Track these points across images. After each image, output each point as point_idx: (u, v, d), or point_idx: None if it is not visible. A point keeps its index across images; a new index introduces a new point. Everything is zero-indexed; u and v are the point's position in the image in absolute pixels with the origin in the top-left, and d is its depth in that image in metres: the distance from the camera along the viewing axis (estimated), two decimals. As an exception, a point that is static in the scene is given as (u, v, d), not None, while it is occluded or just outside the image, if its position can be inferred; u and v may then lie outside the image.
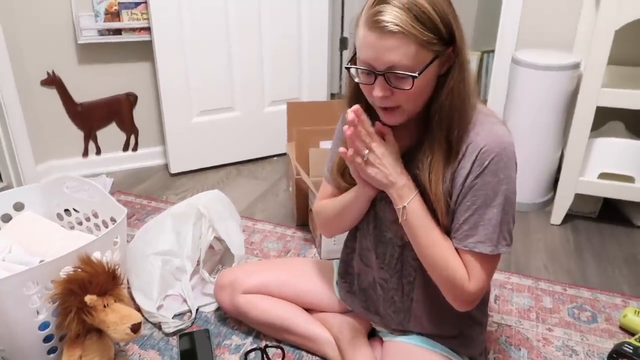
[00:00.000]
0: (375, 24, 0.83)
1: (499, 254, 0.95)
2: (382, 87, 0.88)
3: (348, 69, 0.94)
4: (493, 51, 2.20)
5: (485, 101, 2.39)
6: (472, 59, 3.19)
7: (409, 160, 0.98)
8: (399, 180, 0.95)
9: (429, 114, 0.94)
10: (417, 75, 0.85)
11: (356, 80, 0.93)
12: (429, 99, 0.93)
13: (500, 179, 0.91)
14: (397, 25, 0.82)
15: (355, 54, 0.93)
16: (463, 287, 0.95)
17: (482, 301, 1.11)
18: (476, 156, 0.91)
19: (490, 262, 0.95)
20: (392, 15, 0.82)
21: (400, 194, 0.96)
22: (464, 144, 0.93)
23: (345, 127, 0.91)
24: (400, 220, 0.97)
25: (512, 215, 0.95)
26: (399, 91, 0.88)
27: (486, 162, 0.90)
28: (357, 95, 0.99)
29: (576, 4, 1.98)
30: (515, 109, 1.93)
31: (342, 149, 0.95)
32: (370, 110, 0.99)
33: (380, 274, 1.12)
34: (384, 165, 0.95)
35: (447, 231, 0.98)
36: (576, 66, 1.83)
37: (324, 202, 1.17)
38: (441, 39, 0.86)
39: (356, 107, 0.91)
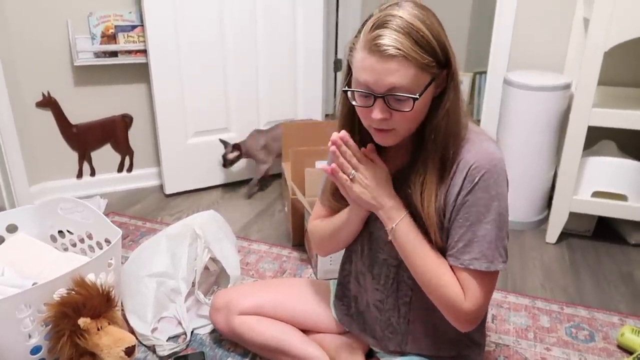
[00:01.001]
0: (376, 48, 0.84)
1: (496, 271, 0.95)
2: (381, 109, 0.89)
3: (345, 91, 0.95)
4: (485, 72, 2.23)
5: (478, 121, 2.41)
6: (465, 80, 3.24)
7: (401, 179, 0.99)
8: (386, 202, 0.97)
9: (423, 134, 0.95)
10: (417, 97, 0.86)
11: (353, 102, 0.94)
12: (423, 120, 0.94)
13: (491, 196, 0.92)
14: (397, 49, 0.83)
15: (349, 76, 0.94)
16: (461, 306, 0.95)
17: (481, 321, 1.11)
18: (466, 173, 0.92)
19: (487, 279, 0.95)
20: (392, 39, 0.83)
21: (389, 216, 0.97)
22: (455, 162, 0.94)
23: (329, 144, 0.95)
24: (390, 239, 0.98)
25: (505, 231, 0.96)
26: (397, 113, 0.89)
27: (476, 179, 0.91)
28: (350, 117, 1.00)
29: (566, 26, 2.02)
30: (508, 129, 1.95)
31: (323, 165, 0.98)
32: (362, 133, 1.00)
33: (376, 296, 1.11)
34: (371, 187, 0.97)
35: (442, 250, 0.98)
36: (567, 87, 1.86)
37: (318, 222, 1.18)
38: (438, 62, 0.88)
39: (342, 132, 0.96)
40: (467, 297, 0.94)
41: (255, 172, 2.32)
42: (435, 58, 0.87)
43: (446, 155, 0.93)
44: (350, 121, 1.01)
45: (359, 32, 0.89)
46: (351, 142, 0.97)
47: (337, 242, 1.15)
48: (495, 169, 0.92)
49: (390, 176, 0.99)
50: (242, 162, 2.36)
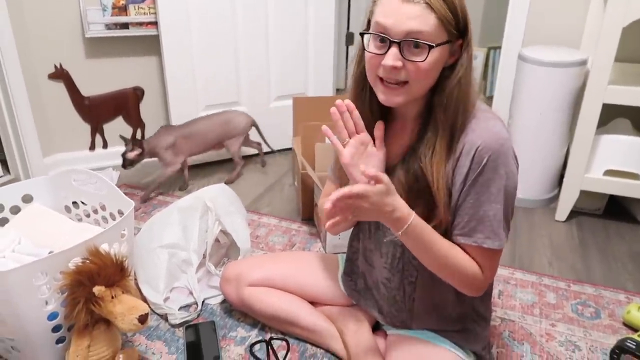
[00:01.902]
0: None
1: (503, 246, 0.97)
2: (394, 56, 0.88)
3: (362, 34, 0.94)
4: (499, 47, 2.19)
5: (491, 98, 2.38)
6: (479, 55, 3.18)
7: (411, 154, 0.99)
8: (396, 209, 0.91)
9: (431, 106, 0.95)
10: (434, 45, 0.86)
11: (367, 49, 0.93)
12: (431, 91, 0.94)
13: (500, 175, 0.92)
14: None
15: (368, 25, 0.93)
16: (480, 278, 0.97)
17: (486, 296, 1.12)
18: (474, 154, 0.92)
19: (497, 254, 0.98)
20: None
21: (398, 216, 0.91)
22: (462, 140, 0.93)
23: (333, 109, 0.96)
24: (401, 238, 0.95)
25: (512, 207, 0.97)
26: (409, 64, 0.88)
27: (484, 160, 0.91)
28: (362, 82, 1.00)
29: (584, 1, 1.97)
30: (522, 105, 1.93)
31: (324, 126, 0.98)
32: (372, 99, 0.99)
33: (383, 274, 1.13)
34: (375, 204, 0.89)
35: (447, 225, 0.97)
36: (583, 63, 1.82)
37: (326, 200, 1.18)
38: (457, 25, 0.88)
39: (348, 101, 0.97)
40: (483, 271, 0.97)
41: (160, 173, 2.06)
42: (455, 19, 0.87)
43: (455, 126, 0.93)
44: (362, 85, 1.00)
45: None
46: (356, 112, 0.97)
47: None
48: (502, 148, 0.91)
49: (392, 185, 0.91)
50: (254, 136, 2.36)
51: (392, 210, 0.90)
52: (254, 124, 2.20)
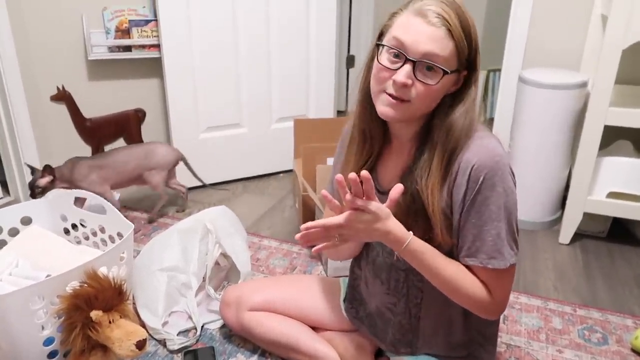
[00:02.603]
0: (425, 12, 0.87)
1: (513, 265, 0.95)
2: (407, 74, 0.88)
3: (378, 45, 0.93)
4: (499, 70, 2.21)
5: (491, 120, 2.39)
6: (479, 77, 3.20)
7: (408, 175, 0.98)
8: (389, 232, 0.91)
9: (429, 128, 0.95)
10: (448, 72, 0.87)
11: (379, 61, 0.91)
12: (429, 114, 0.95)
13: (498, 193, 0.91)
14: (445, 20, 0.86)
15: (380, 36, 0.93)
16: (488, 301, 0.95)
17: (494, 321, 1.10)
18: (470, 173, 0.91)
19: (506, 273, 0.95)
20: (441, 10, 0.86)
21: (397, 238, 0.92)
22: (457, 159, 0.93)
23: (339, 176, 0.86)
24: (400, 257, 0.95)
25: (515, 223, 0.95)
26: (419, 85, 0.89)
27: (481, 179, 0.90)
28: (369, 97, 0.98)
29: (583, 23, 1.99)
30: (523, 127, 1.93)
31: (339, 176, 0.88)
32: (378, 127, 0.98)
33: (387, 299, 1.11)
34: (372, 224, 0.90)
35: (448, 246, 0.97)
36: (583, 85, 1.83)
37: None
38: (469, 55, 0.90)
39: (365, 173, 0.84)
40: (492, 293, 0.95)
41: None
42: (468, 49, 0.89)
43: (454, 150, 0.93)
44: (368, 99, 0.99)
45: (406, 5, 0.91)
46: (370, 183, 0.86)
47: (341, 248, 1.09)
48: (498, 165, 0.91)
49: (384, 210, 0.90)
50: (255, 157, 2.36)
51: (385, 232, 0.91)
52: (181, 159, 2.04)
